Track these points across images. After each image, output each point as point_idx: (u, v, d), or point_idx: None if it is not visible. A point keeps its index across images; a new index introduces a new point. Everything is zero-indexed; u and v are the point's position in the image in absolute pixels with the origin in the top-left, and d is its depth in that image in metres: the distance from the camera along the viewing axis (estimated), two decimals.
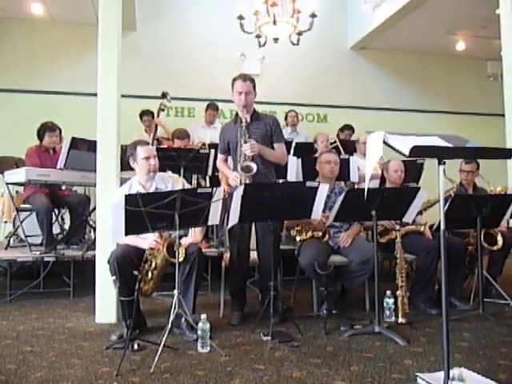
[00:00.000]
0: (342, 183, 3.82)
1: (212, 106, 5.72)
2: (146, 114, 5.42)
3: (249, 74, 6.38)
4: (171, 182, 3.02)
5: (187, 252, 2.69)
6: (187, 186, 3.17)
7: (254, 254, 3.18)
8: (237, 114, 3.21)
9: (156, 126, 5.00)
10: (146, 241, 2.69)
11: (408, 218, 3.05)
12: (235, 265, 3.13)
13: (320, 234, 3.20)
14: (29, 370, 2.26)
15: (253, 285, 3.62)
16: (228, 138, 3.21)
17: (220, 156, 3.33)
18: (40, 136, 4.19)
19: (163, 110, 5.00)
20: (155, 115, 5.12)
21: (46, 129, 4.18)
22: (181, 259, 2.62)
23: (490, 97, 7.45)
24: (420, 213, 3.47)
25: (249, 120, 3.06)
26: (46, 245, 3.92)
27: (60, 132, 4.29)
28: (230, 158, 3.29)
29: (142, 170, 2.93)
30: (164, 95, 4.91)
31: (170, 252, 2.64)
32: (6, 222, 4.75)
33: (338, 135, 5.85)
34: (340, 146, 5.02)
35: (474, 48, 6.99)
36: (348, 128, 6.01)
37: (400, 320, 3.00)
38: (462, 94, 7.44)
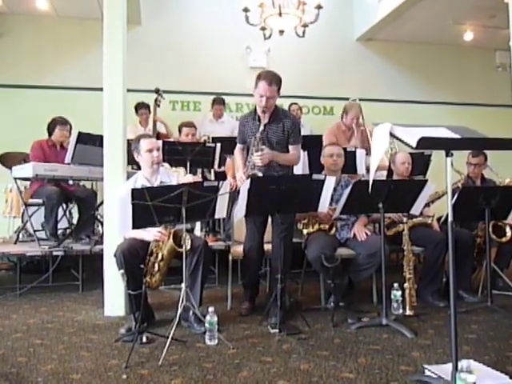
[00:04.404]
0: (346, 176, 3.81)
1: (218, 101, 5.67)
2: (142, 106, 5.36)
3: (254, 66, 6.44)
4: (176, 175, 3.03)
5: (193, 245, 2.70)
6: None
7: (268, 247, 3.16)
8: (255, 108, 3.13)
9: (155, 122, 5.00)
10: (151, 233, 2.70)
11: (415, 210, 3.04)
12: (249, 257, 3.13)
13: (327, 226, 3.19)
14: (39, 363, 2.29)
15: (260, 277, 3.63)
16: (245, 133, 3.17)
17: (238, 145, 3.28)
18: (50, 130, 4.21)
19: (159, 105, 5.01)
20: (151, 111, 5.09)
21: (58, 123, 4.19)
22: (188, 247, 2.63)
23: (499, 87, 7.38)
24: (427, 205, 3.46)
25: (266, 121, 3.00)
26: (52, 234, 3.94)
27: (70, 128, 4.29)
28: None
29: (146, 163, 2.95)
30: (157, 91, 4.92)
31: (177, 241, 2.65)
32: (14, 216, 4.79)
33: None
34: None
35: (482, 38, 6.89)
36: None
37: (407, 312, 3.00)
38: (470, 84, 7.35)
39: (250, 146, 3.09)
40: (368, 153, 4.38)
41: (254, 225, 3.08)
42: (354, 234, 3.21)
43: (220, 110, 5.68)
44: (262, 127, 2.99)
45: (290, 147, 3.12)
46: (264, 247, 3.17)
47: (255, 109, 3.12)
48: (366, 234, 3.16)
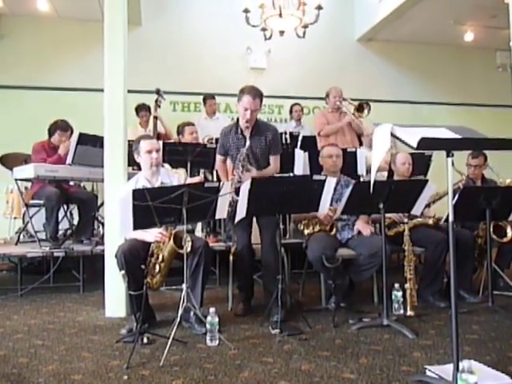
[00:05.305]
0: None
1: (208, 97, 5.74)
2: (143, 109, 5.37)
3: (255, 67, 6.43)
4: (176, 176, 3.03)
5: (194, 246, 2.70)
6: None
7: (259, 248, 3.18)
8: (237, 120, 3.19)
9: (156, 121, 5.01)
10: (151, 234, 2.70)
11: (416, 210, 3.04)
12: (242, 258, 3.15)
13: (328, 227, 3.19)
14: (40, 364, 2.29)
15: (260, 278, 3.63)
16: (227, 145, 3.22)
17: (219, 157, 3.34)
18: (50, 132, 4.21)
19: (159, 106, 5.02)
20: (152, 112, 5.11)
21: (59, 128, 4.20)
22: (188, 249, 2.63)
23: (499, 87, 7.38)
24: (428, 205, 3.45)
25: (248, 135, 3.09)
26: (52, 238, 3.95)
27: (71, 133, 4.26)
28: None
29: (146, 164, 2.95)
30: (158, 91, 4.94)
31: (177, 243, 2.65)
32: (15, 217, 4.80)
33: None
34: (350, 104, 4.87)
35: (482, 38, 6.90)
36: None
37: (408, 313, 2.99)
38: (470, 85, 7.35)
39: (233, 158, 3.17)
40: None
41: (242, 226, 3.09)
42: (358, 232, 3.23)
43: (213, 104, 5.76)
44: (248, 143, 3.06)
45: (271, 157, 3.21)
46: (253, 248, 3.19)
47: (237, 121, 3.18)
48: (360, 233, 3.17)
